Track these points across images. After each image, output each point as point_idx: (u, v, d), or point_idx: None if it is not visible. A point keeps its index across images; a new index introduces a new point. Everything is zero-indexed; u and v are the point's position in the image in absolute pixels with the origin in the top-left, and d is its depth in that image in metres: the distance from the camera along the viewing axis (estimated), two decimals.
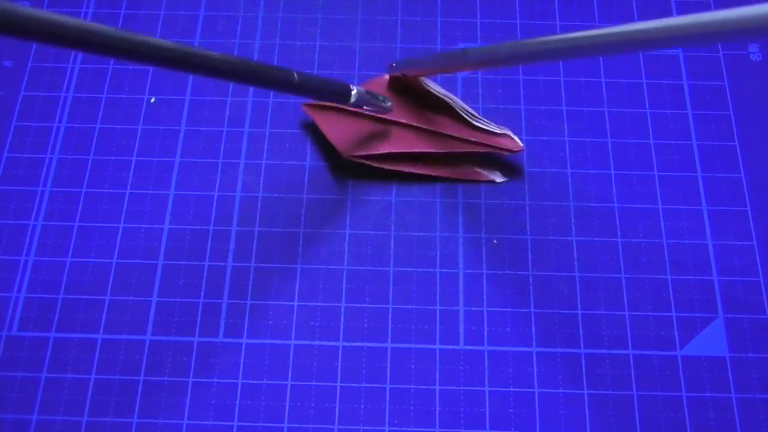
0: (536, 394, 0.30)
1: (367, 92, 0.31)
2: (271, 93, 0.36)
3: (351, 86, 0.30)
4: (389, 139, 0.33)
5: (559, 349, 0.31)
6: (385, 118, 0.34)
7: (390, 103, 0.33)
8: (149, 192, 0.34)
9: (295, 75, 0.26)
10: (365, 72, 0.36)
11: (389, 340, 0.31)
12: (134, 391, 0.30)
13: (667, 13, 0.38)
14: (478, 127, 0.33)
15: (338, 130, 0.34)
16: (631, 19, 0.38)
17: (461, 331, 0.31)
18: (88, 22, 0.18)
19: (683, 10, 0.38)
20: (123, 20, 0.38)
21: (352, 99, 0.30)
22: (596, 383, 0.30)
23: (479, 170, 0.34)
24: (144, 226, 0.33)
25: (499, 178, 0.34)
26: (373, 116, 0.34)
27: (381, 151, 0.33)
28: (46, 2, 0.38)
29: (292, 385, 0.30)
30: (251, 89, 0.36)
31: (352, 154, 0.33)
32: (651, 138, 0.35)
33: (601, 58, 0.37)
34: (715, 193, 0.34)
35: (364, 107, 0.31)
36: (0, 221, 0.33)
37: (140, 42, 0.20)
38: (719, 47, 0.37)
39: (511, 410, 0.29)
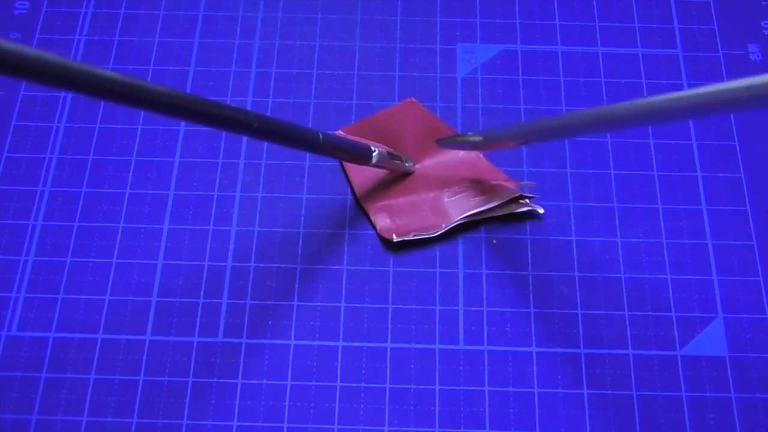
0: (536, 394, 0.30)
1: (389, 153, 0.31)
2: (271, 93, 0.36)
3: (373, 147, 0.30)
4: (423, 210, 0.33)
5: (559, 349, 0.31)
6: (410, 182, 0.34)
7: (411, 163, 0.33)
8: (149, 192, 0.34)
9: (321, 135, 0.26)
10: (365, 72, 0.36)
11: (389, 340, 0.31)
12: (134, 391, 0.30)
13: (667, 13, 0.38)
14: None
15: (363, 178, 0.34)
16: (630, 18, 0.38)
17: (461, 331, 0.31)
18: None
19: (683, 10, 0.38)
20: (122, 20, 0.38)
21: (374, 160, 0.30)
22: (596, 383, 0.30)
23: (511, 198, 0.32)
24: (144, 226, 0.33)
25: (540, 209, 0.33)
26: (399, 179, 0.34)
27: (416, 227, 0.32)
28: (45, 2, 0.38)
29: (291, 385, 0.30)
30: (251, 89, 0.36)
31: (369, 205, 0.33)
32: (651, 138, 0.35)
33: (600, 54, 0.37)
34: (715, 192, 0.34)
35: (387, 168, 0.32)
36: (0, 221, 0.33)
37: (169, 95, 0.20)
38: (719, 47, 0.37)
39: (511, 410, 0.29)
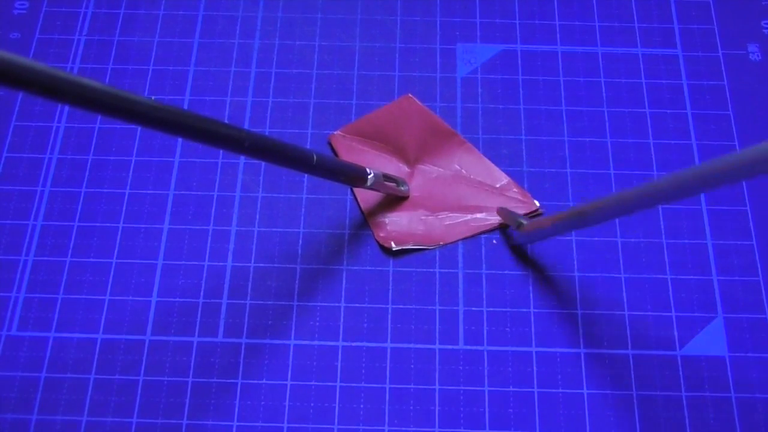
0: (536, 393, 0.30)
1: (385, 176, 0.31)
2: (271, 93, 0.36)
3: (368, 170, 0.30)
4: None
5: (559, 349, 0.31)
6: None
7: (407, 187, 0.33)
8: (149, 192, 0.34)
9: (315, 157, 0.26)
10: (364, 71, 0.36)
11: (389, 339, 0.31)
12: (134, 391, 0.30)
13: (667, 13, 0.38)
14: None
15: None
16: (629, 18, 0.38)
17: (461, 331, 0.31)
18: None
19: (683, 10, 0.38)
20: (122, 20, 0.38)
21: (369, 182, 0.30)
22: (596, 383, 0.30)
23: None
24: (144, 226, 0.33)
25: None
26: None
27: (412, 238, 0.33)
28: (45, 2, 0.38)
29: (291, 385, 0.30)
30: (251, 89, 0.36)
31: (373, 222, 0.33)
32: (650, 138, 0.35)
33: (599, 54, 0.37)
34: (715, 192, 0.34)
35: (381, 190, 0.32)
36: (0, 221, 0.33)
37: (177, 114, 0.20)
38: (718, 47, 0.37)
39: (511, 410, 0.29)
